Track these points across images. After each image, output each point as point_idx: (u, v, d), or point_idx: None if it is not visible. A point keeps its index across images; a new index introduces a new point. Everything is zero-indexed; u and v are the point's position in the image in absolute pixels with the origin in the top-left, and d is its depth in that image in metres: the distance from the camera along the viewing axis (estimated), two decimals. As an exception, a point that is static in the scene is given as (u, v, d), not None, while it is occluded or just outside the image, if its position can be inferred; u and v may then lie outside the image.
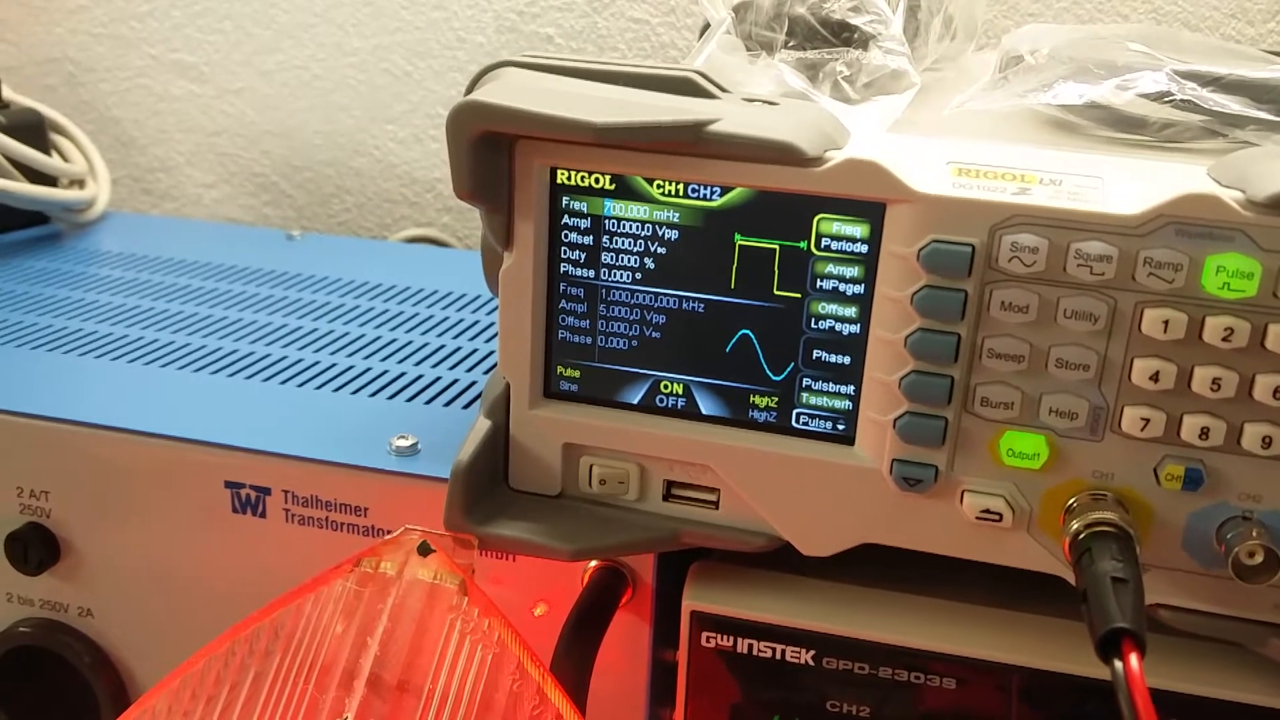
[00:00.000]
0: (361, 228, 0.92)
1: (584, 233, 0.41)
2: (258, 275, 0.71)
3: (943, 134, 0.43)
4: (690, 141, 0.37)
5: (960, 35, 0.56)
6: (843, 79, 0.46)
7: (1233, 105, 0.43)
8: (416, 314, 0.65)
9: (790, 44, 0.47)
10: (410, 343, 0.61)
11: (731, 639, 0.42)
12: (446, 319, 0.65)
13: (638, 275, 0.41)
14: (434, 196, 0.90)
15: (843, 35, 0.47)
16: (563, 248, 0.41)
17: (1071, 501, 0.38)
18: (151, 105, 0.94)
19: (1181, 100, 0.43)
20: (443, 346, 0.61)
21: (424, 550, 0.39)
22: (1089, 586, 0.34)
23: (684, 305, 0.41)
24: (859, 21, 0.46)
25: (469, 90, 0.40)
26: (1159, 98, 0.43)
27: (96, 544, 0.52)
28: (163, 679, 0.39)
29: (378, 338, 0.62)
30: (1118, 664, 0.31)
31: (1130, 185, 0.36)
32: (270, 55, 0.90)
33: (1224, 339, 0.35)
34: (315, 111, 0.90)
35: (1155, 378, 0.36)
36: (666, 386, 0.42)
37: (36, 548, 0.51)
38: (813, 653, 0.41)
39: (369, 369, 0.57)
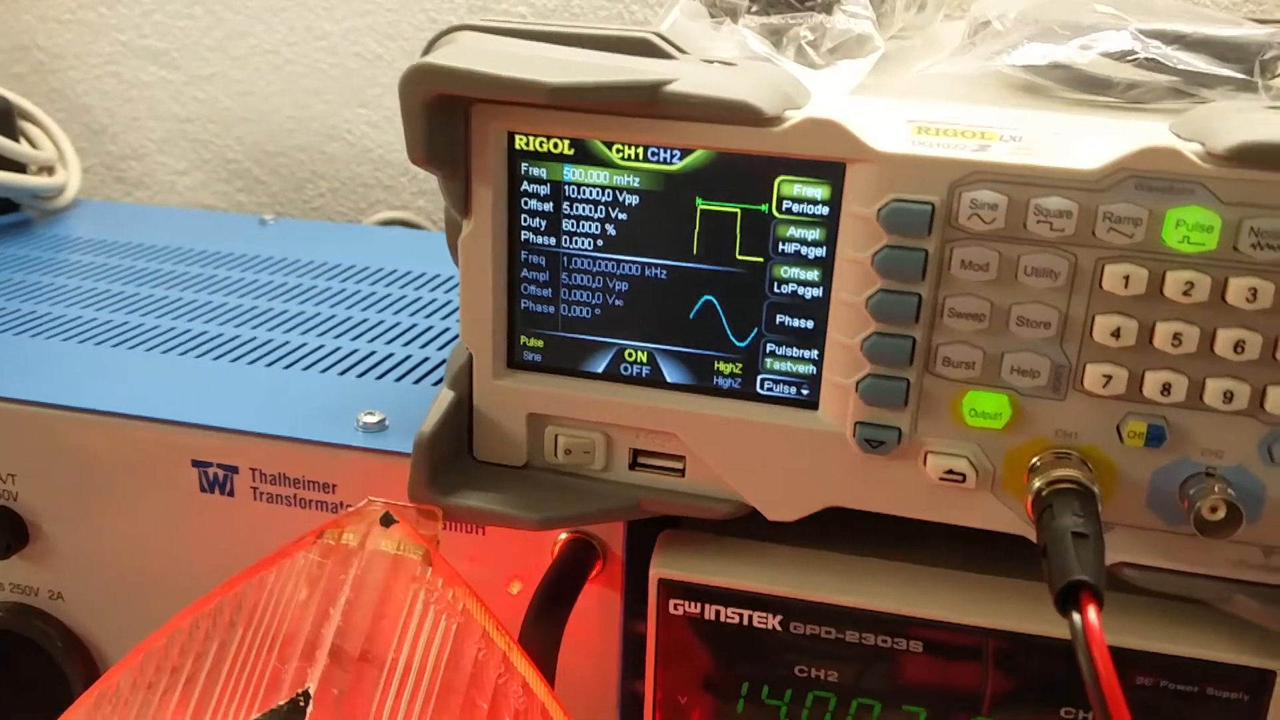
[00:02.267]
0: (336, 212, 0.92)
1: (544, 199, 0.40)
2: (229, 259, 0.70)
3: (906, 97, 0.43)
4: (647, 102, 0.37)
5: (930, 5, 0.56)
6: (806, 44, 0.45)
7: (1198, 64, 0.43)
8: (388, 294, 0.65)
9: (754, 9, 0.47)
10: (381, 322, 0.61)
11: (699, 606, 0.42)
12: (419, 299, 0.65)
13: (599, 242, 0.41)
14: (409, 180, 0.89)
15: (807, 1, 0.47)
16: (523, 215, 0.41)
17: (1035, 460, 0.38)
18: (122, 92, 0.93)
19: (1145, 59, 0.42)
20: (414, 325, 0.61)
21: (387, 521, 0.39)
22: (1049, 542, 0.34)
23: (647, 272, 0.41)
24: (822, -14, 0.46)
25: (424, 54, 0.39)
26: (1122, 57, 0.43)
27: (65, 526, 0.51)
28: (127, 654, 0.39)
29: (348, 318, 0.61)
30: (1076, 617, 0.31)
31: (1091, 140, 0.36)
32: (241, 40, 0.89)
33: (1185, 293, 0.35)
34: (287, 96, 0.89)
35: (1117, 334, 0.36)
36: (631, 355, 0.42)
37: (4, 531, 0.51)
38: (779, 618, 0.41)
39: (338, 348, 0.57)
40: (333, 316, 0.61)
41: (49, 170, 0.78)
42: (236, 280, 0.66)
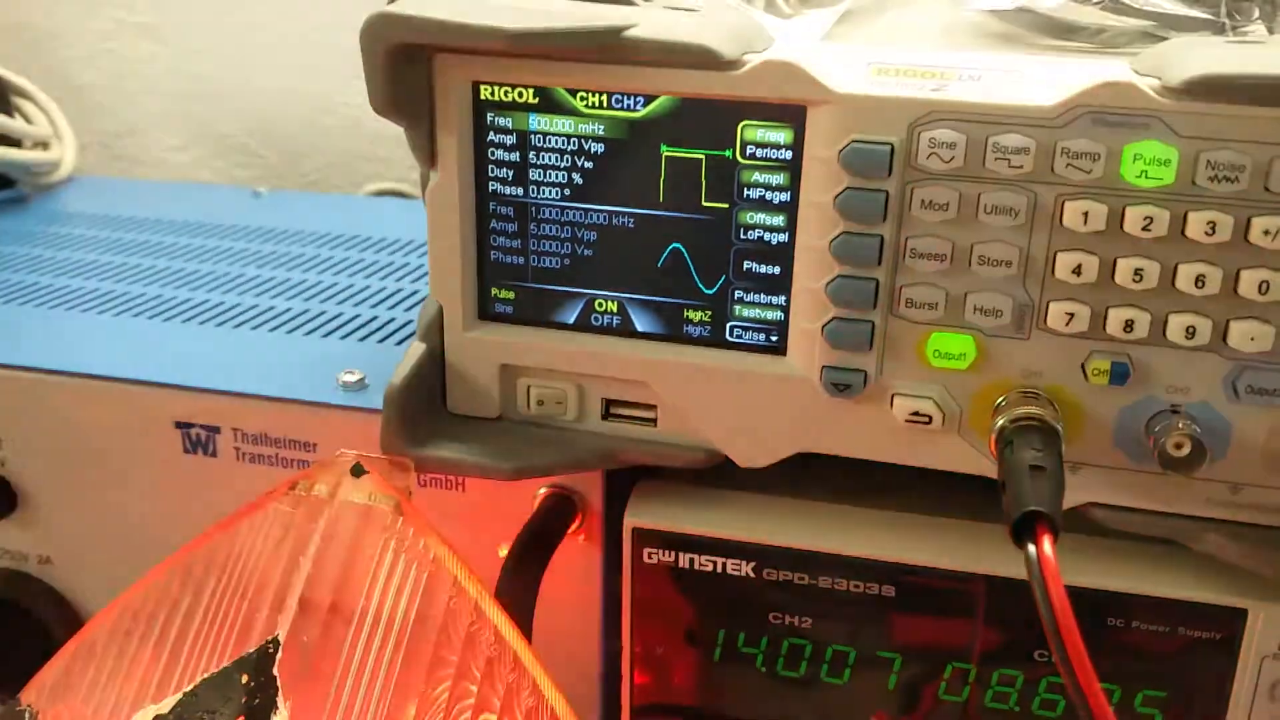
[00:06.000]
0: (332, 185, 0.92)
1: (510, 149, 0.41)
2: (220, 230, 0.71)
3: (873, 43, 0.43)
4: (609, 48, 0.37)
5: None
6: (776, -6, 0.45)
7: (1165, 5, 0.42)
8: (376, 261, 0.65)
9: (724, -38, 0.47)
10: (367, 287, 0.61)
11: (673, 554, 0.42)
12: (406, 264, 0.65)
13: (566, 191, 0.41)
14: (405, 152, 0.89)
15: (777, -49, 0.47)
16: (489, 165, 0.41)
17: (1000, 400, 0.38)
18: (117, 69, 0.94)
19: (1110, 3, 0.42)
20: (399, 290, 0.61)
21: (357, 472, 0.39)
22: (1007, 476, 0.34)
23: (614, 221, 0.41)
24: (791, -64, 0.46)
25: (389, 2, 0.39)
26: (1088, 0, 0.42)
27: (52, 491, 0.52)
28: (103, 609, 0.39)
29: (334, 284, 0.61)
30: (1030, 548, 0.31)
31: (1049, 78, 0.36)
32: (236, 14, 0.89)
33: (1144, 228, 0.35)
34: (283, 71, 0.90)
35: (1078, 271, 0.36)
36: (601, 305, 0.42)
37: (-6, 495, 0.52)
38: (753, 565, 0.41)
39: (323, 312, 0.57)
40: (319, 283, 0.62)
41: (44, 146, 0.78)
42: (226, 249, 0.67)
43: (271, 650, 0.35)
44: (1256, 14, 0.44)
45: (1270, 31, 0.43)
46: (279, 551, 0.38)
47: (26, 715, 0.37)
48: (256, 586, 0.37)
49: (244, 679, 0.35)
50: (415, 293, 0.60)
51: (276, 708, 0.34)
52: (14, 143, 0.76)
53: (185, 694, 0.35)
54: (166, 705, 0.35)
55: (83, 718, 0.36)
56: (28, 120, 0.79)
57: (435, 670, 0.36)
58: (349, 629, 0.37)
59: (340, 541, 0.38)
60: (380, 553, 0.38)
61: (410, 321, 0.56)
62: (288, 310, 0.57)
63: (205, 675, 0.35)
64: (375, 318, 0.57)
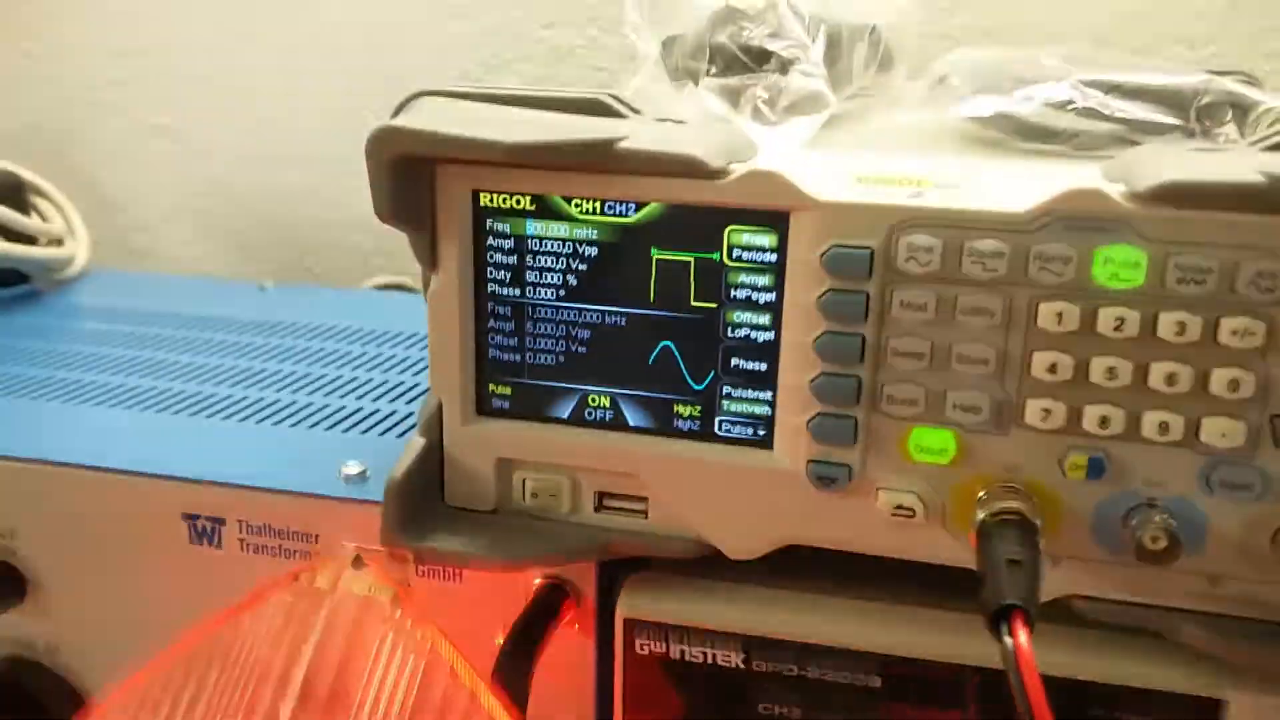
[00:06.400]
0: (336, 279, 0.94)
1: (508, 253, 0.42)
2: (227, 324, 0.72)
3: (857, 150, 0.45)
4: (601, 159, 0.39)
5: (893, 63, 0.58)
6: (762, 103, 0.47)
7: (1135, 111, 0.44)
8: (379, 354, 0.67)
9: (713, 72, 0.49)
10: (370, 380, 0.63)
11: (664, 644, 0.43)
12: (408, 358, 0.66)
13: (561, 292, 0.42)
14: (407, 248, 0.92)
15: (763, 63, 0.49)
16: (489, 268, 0.43)
17: (981, 494, 0.39)
18: (130, 167, 0.97)
19: (1085, 108, 0.44)
20: (401, 383, 0.62)
21: (358, 564, 0.40)
22: (985, 568, 0.35)
23: (607, 320, 0.42)
24: (777, 47, 0.48)
25: (392, 117, 0.41)
26: (1063, 105, 0.44)
27: (62, 579, 0.53)
28: (109, 692, 0.40)
29: (338, 376, 0.63)
30: (1007, 639, 0.32)
31: (1023, 185, 0.38)
32: (246, 113, 0.92)
33: (1116, 329, 0.36)
34: (290, 167, 0.92)
35: (1053, 369, 0.37)
36: (594, 400, 0.43)
37: (3, 585, 0.52)
38: (743, 655, 0.42)
39: (325, 405, 0.59)
40: (323, 375, 0.63)
41: (58, 242, 0.81)
42: (233, 343, 0.69)
43: (272, 739, 0.36)
44: (1228, 116, 0.46)
45: (1242, 135, 0.45)
46: (281, 640, 0.39)
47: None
48: (259, 676, 0.38)
49: (245, 768, 0.36)
50: (416, 385, 0.62)
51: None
52: (30, 240, 0.78)
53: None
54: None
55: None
56: (43, 218, 0.81)
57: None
58: (349, 717, 0.38)
59: (341, 631, 0.39)
60: (379, 642, 0.39)
61: (411, 414, 0.58)
62: (293, 403, 0.59)
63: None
64: (377, 410, 0.58)
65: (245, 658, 0.39)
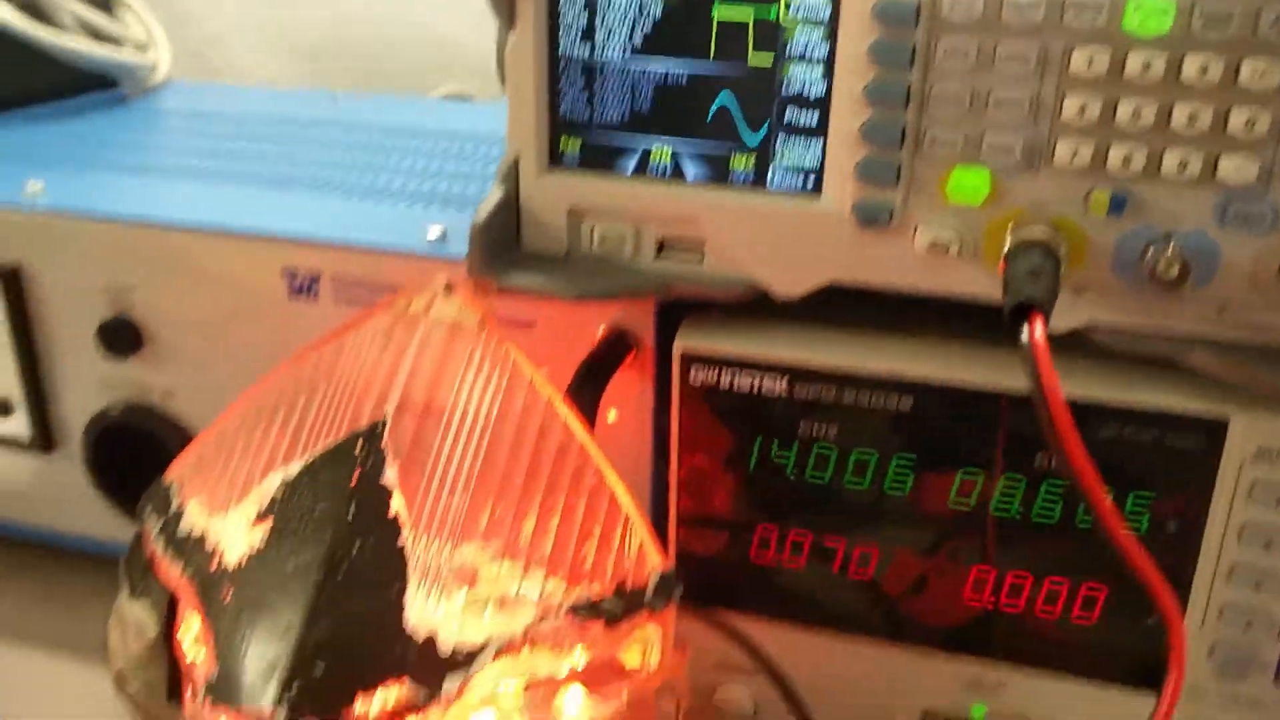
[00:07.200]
0: (401, 90, 0.98)
1: (579, 11, 0.46)
2: (306, 123, 0.77)
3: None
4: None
5: None
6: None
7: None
8: (449, 148, 0.71)
9: None
10: (443, 169, 0.67)
11: (716, 374, 0.48)
12: (477, 153, 0.70)
13: (627, 51, 0.46)
14: (467, 59, 0.95)
15: None
16: (561, 27, 0.46)
17: (1011, 226, 0.43)
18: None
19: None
20: (471, 172, 0.66)
21: (448, 291, 0.45)
22: (1009, 279, 0.39)
23: (669, 77, 0.46)
24: None
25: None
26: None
27: (174, 331, 0.59)
28: (230, 405, 0.46)
29: (414, 164, 0.67)
30: (1024, 331, 0.36)
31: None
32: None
33: (1143, 72, 0.40)
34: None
35: (1082, 112, 0.41)
36: (656, 154, 0.47)
37: (123, 337, 0.58)
38: (785, 380, 0.47)
39: (405, 185, 0.63)
40: (400, 164, 0.67)
41: (141, 50, 0.85)
42: (315, 138, 0.73)
43: (380, 430, 0.42)
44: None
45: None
46: (381, 359, 0.44)
47: (172, 489, 0.44)
48: (362, 387, 0.43)
49: (358, 446, 0.41)
50: (482, 175, 0.66)
51: (385, 468, 0.40)
52: (116, 44, 0.82)
53: (307, 461, 0.41)
54: (294, 469, 0.41)
55: (219, 488, 0.43)
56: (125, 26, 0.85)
57: (515, 455, 0.42)
58: (440, 425, 0.43)
59: (433, 349, 0.44)
60: (467, 358, 0.44)
61: (482, 193, 0.62)
62: (373, 182, 0.63)
63: (325, 445, 0.42)
64: (452, 188, 0.63)
65: (349, 372, 0.44)
